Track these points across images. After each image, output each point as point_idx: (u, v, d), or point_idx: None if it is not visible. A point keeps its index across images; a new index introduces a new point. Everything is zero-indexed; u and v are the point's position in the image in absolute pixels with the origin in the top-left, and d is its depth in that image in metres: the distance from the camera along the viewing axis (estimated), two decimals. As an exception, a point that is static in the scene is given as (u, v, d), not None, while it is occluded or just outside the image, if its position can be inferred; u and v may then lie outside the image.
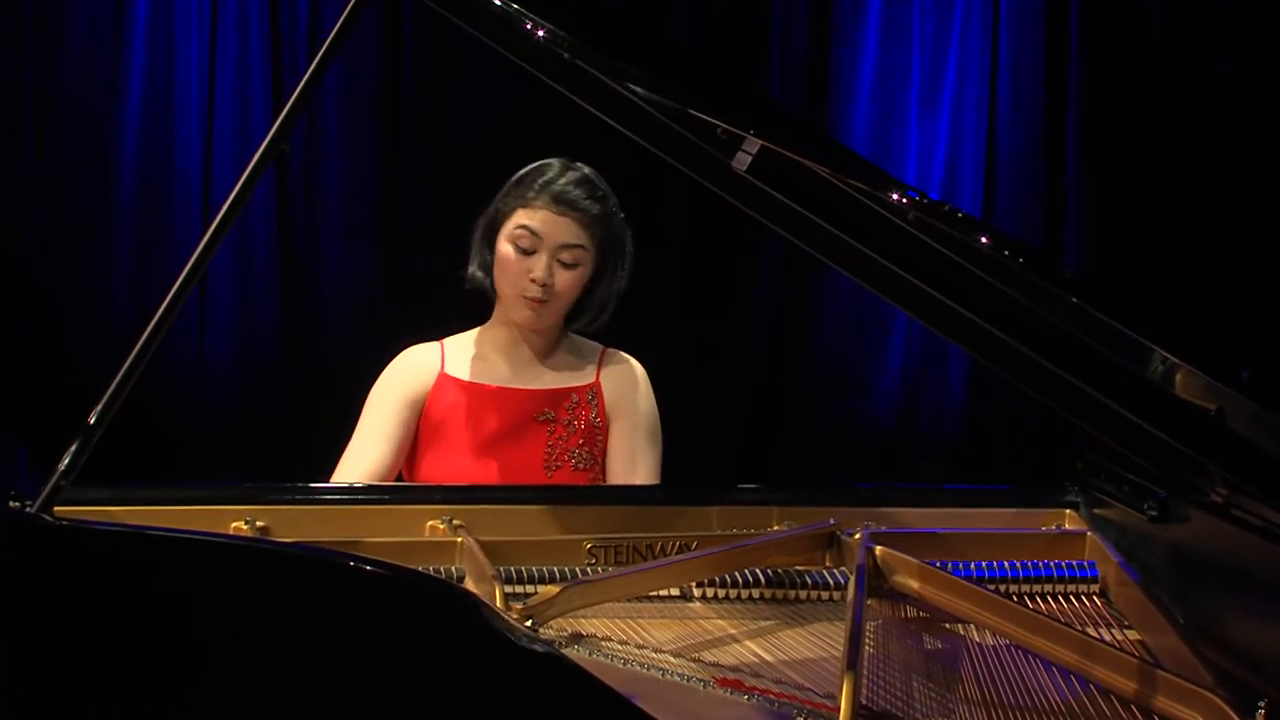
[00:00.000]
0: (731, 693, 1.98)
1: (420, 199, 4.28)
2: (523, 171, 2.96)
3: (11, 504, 2.11)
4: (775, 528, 2.51)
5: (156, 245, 4.14)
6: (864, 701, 1.94)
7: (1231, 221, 4.40)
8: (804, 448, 4.40)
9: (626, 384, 3.03)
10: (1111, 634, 2.27)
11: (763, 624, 2.28)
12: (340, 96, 4.20)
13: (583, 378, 3.02)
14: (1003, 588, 2.38)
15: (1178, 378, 2.02)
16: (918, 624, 2.29)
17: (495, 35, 2.17)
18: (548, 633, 2.13)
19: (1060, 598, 2.41)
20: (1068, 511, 2.59)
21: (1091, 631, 2.23)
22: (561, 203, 2.89)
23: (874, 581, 2.34)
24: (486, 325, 3.05)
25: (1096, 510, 2.54)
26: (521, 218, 2.91)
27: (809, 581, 2.38)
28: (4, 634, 1.96)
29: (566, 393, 3.00)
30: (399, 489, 2.83)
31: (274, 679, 1.85)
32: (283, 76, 4.15)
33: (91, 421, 2.10)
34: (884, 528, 2.47)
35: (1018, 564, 2.43)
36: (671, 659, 2.10)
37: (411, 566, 2.06)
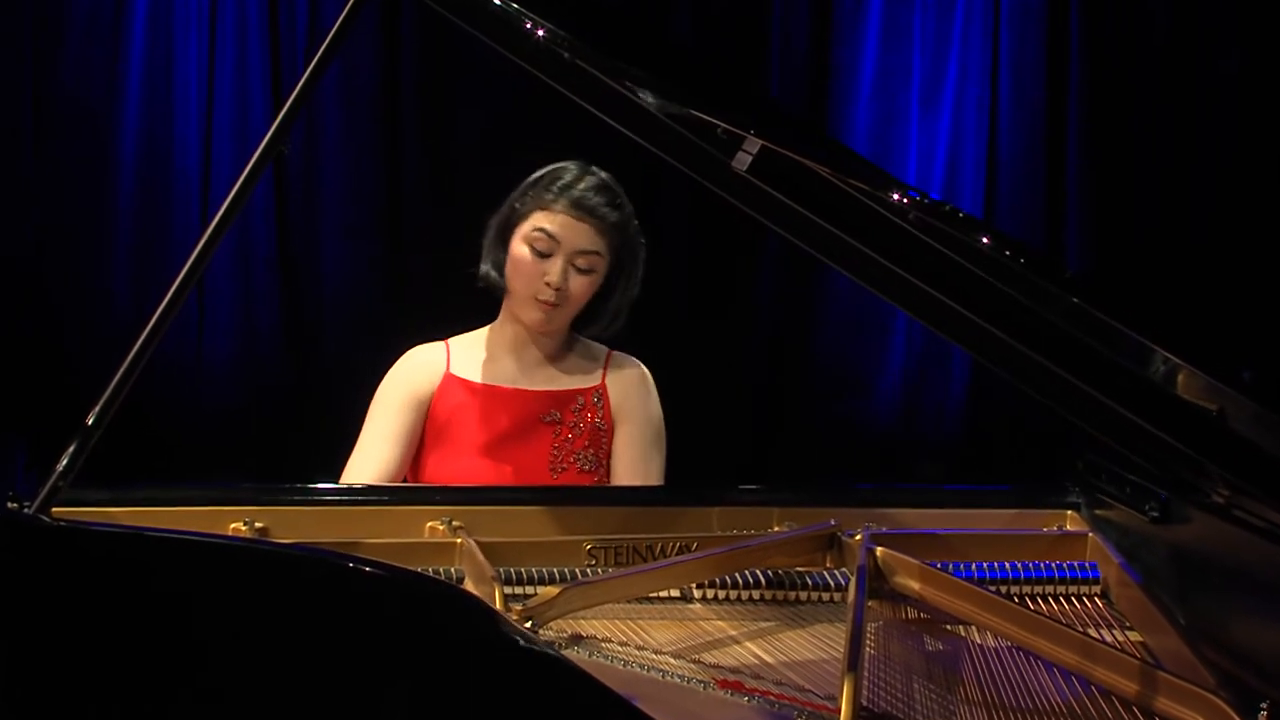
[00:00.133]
0: (732, 694, 1.98)
1: (419, 199, 4.28)
2: (540, 173, 2.95)
3: (9, 505, 2.10)
4: (776, 529, 2.51)
5: (155, 245, 4.14)
6: (865, 703, 1.93)
7: (1233, 221, 4.40)
8: (804, 448, 4.39)
9: (632, 387, 3.03)
10: (1113, 635, 2.27)
11: (763, 625, 2.27)
12: (339, 96, 4.20)
13: (589, 380, 3.02)
14: (1004, 589, 2.38)
15: (1179, 378, 2.01)
16: (919, 625, 2.29)
17: (495, 35, 2.16)
18: (547, 634, 2.13)
19: (1061, 599, 2.40)
20: (1069, 512, 2.58)
21: (1093, 633, 2.23)
22: (581, 208, 2.89)
23: (875, 583, 2.33)
24: (494, 325, 3.04)
25: (1098, 511, 2.54)
26: (540, 220, 2.90)
27: (809, 583, 2.38)
28: (3, 635, 1.95)
29: (572, 394, 2.99)
30: (398, 490, 2.82)
31: (273, 680, 1.85)
32: (282, 76, 4.14)
33: (90, 422, 2.10)
34: (885, 529, 2.46)
35: (1019, 565, 2.42)
36: (672, 660, 2.10)
37: (410, 568, 2.05)
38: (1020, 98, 4.40)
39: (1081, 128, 4.40)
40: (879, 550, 2.36)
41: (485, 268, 3.00)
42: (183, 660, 1.89)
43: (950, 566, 2.37)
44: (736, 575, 2.35)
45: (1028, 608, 2.25)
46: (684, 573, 2.34)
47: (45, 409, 3.69)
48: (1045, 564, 2.43)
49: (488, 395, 2.97)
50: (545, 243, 2.89)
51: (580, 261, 2.91)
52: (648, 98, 2.09)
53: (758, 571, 2.36)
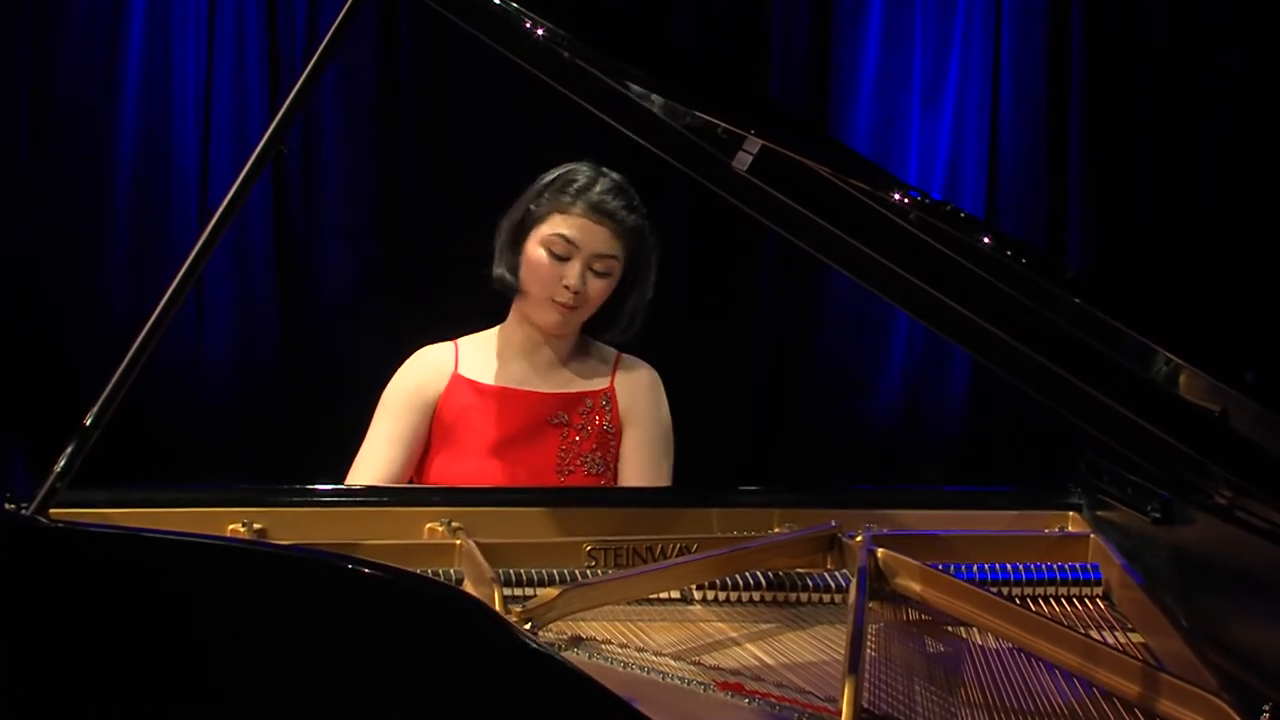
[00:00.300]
0: (732, 696, 1.98)
1: (418, 199, 4.27)
2: (553, 175, 2.95)
3: (7, 506, 2.10)
4: (776, 530, 2.51)
5: (153, 245, 4.13)
6: (865, 705, 1.93)
7: (1235, 221, 4.39)
8: (805, 448, 4.39)
9: (641, 390, 3.03)
10: (1115, 637, 2.27)
11: (764, 627, 2.27)
12: (338, 96, 4.19)
13: (597, 382, 3.02)
14: (1005, 590, 2.37)
15: (1181, 379, 2.01)
16: (920, 627, 2.28)
17: (494, 34, 2.16)
18: (547, 635, 2.12)
19: (1063, 600, 2.40)
20: (1070, 513, 2.58)
21: (1094, 634, 2.22)
22: (600, 212, 2.89)
23: (875, 584, 2.33)
24: (503, 326, 3.04)
25: (1099, 512, 2.53)
26: (557, 224, 2.90)
27: (810, 584, 2.38)
28: (2, 636, 1.95)
29: (581, 397, 2.99)
30: (397, 491, 2.82)
31: (273, 682, 1.85)
32: (280, 76, 4.14)
33: (88, 423, 2.10)
34: (885, 530, 2.46)
35: (1020, 566, 2.42)
36: (672, 662, 2.09)
37: (410, 569, 2.05)
38: (1021, 97, 4.40)
39: (1083, 127, 4.39)
40: (880, 551, 2.36)
41: (499, 270, 2.99)
42: (182, 662, 1.88)
43: (951, 568, 2.36)
44: (737, 577, 2.35)
45: (1029, 609, 2.25)
46: (684, 574, 2.34)
47: (43, 409, 3.68)
48: (1047, 565, 2.43)
49: (496, 397, 2.96)
50: (563, 246, 2.89)
51: (598, 265, 2.91)
52: (648, 98, 2.08)
53: (758, 573, 2.36)
